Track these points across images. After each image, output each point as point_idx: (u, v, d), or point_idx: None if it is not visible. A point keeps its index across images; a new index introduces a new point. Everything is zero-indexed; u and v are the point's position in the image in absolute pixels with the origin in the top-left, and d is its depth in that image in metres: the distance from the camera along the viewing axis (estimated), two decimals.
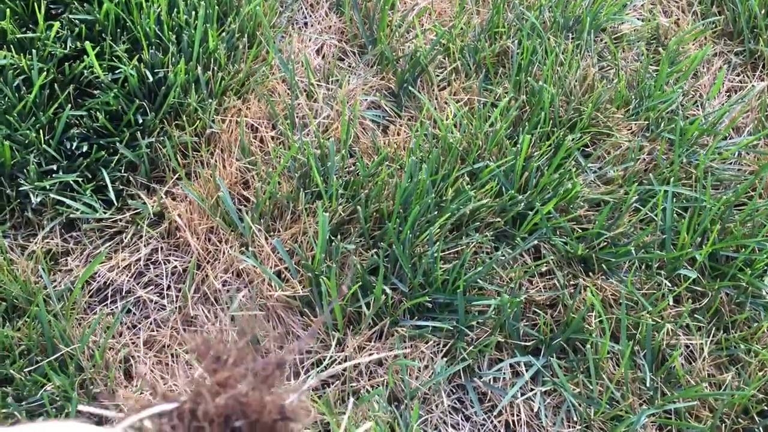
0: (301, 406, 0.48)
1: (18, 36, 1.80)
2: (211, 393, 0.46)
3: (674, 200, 1.84)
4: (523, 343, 1.68)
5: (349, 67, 2.08)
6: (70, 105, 1.76)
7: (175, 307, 1.66)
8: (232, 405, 0.46)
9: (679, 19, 2.32)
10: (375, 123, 1.96)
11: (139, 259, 1.71)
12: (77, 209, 1.69)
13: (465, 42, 2.08)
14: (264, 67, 1.95)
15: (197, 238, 1.72)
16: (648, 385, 1.61)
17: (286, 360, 0.50)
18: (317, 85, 1.99)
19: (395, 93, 2.03)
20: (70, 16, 1.85)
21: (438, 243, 1.65)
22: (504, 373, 1.65)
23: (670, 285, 1.74)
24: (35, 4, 1.84)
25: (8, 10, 1.81)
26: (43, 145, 1.70)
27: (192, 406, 0.46)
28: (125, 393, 0.54)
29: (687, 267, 1.76)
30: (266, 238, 1.71)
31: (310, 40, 2.10)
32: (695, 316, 1.72)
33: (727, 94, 2.21)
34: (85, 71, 1.81)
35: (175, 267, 1.72)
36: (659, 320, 1.67)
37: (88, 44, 1.74)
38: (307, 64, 1.99)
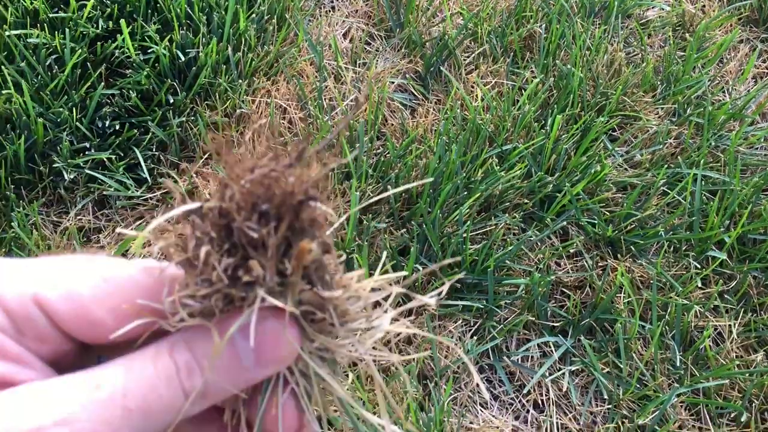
0: (322, 183, 0.48)
1: (50, 15, 1.81)
2: (235, 179, 0.46)
3: (702, 183, 1.84)
4: (550, 324, 1.68)
5: (377, 51, 2.08)
6: (102, 84, 1.77)
7: None
8: (257, 189, 0.46)
9: (705, 5, 2.32)
10: (403, 105, 1.97)
11: None
12: (110, 186, 1.70)
13: (492, 26, 2.09)
14: (293, 49, 1.96)
15: None
16: (677, 365, 1.61)
17: (307, 148, 0.48)
18: (345, 68, 2.00)
19: (422, 76, 2.03)
20: None
21: (467, 223, 1.65)
22: (532, 353, 1.66)
23: (698, 266, 1.74)
24: None
25: None
26: (76, 123, 1.72)
27: (219, 198, 0.46)
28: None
29: (715, 249, 1.76)
30: None
31: (337, 23, 2.11)
32: (725, 297, 1.72)
33: (753, 80, 2.20)
34: (117, 51, 1.82)
35: None
36: (687, 302, 1.68)
37: (123, 22, 1.75)
38: (335, 47, 2.00)
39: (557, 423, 1.59)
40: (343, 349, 0.51)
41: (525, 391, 1.62)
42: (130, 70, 1.82)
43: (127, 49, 1.80)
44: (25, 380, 0.46)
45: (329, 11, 2.14)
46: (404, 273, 0.62)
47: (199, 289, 0.47)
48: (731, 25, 2.29)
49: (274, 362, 0.48)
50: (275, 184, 0.47)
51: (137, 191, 1.73)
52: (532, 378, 1.62)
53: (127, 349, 0.48)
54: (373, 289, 0.55)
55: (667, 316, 1.67)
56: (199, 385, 0.46)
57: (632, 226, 1.78)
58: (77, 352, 0.50)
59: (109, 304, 0.47)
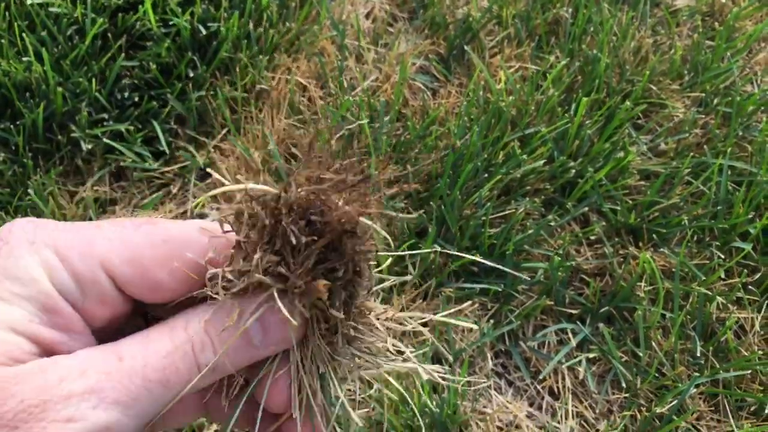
0: (372, 228, 0.51)
1: None
2: (298, 184, 0.48)
3: (728, 173, 1.80)
4: (568, 311, 1.65)
5: (399, 31, 2.06)
6: (122, 56, 1.75)
7: None
8: (313, 199, 0.48)
9: None
10: (424, 87, 1.94)
11: (185, 212, 1.71)
12: (128, 157, 1.69)
13: (517, 9, 2.05)
14: (314, 27, 1.94)
15: None
16: (698, 356, 1.58)
17: (371, 176, 0.51)
18: (366, 48, 1.98)
19: (445, 58, 2.00)
20: None
21: (487, 206, 1.63)
22: (549, 339, 1.63)
23: (722, 257, 1.70)
24: None
25: None
26: (95, 94, 1.70)
27: (278, 194, 0.49)
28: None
29: (739, 240, 1.73)
30: None
31: (360, 3, 2.08)
32: (748, 288, 1.68)
33: None
34: (138, 23, 1.81)
35: None
36: (710, 292, 1.64)
37: None
38: (358, 26, 1.97)
39: (573, 410, 1.56)
40: (342, 360, 0.56)
41: (540, 378, 1.59)
42: (150, 43, 1.80)
43: (149, 21, 1.79)
44: (65, 350, 0.49)
45: None
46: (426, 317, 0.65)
47: (240, 268, 0.50)
48: (761, 16, 2.25)
49: (277, 343, 0.53)
50: (331, 202, 0.49)
51: (154, 164, 1.72)
52: (548, 364, 1.59)
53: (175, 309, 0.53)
54: (389, 325, 0.58)
55: (688, 307, 1.63)
56: (211, 360, 0.50)
57: (655, 215, 1.75)
58: (129, 314, 0.54)
59: (170, 266, 0.51)
